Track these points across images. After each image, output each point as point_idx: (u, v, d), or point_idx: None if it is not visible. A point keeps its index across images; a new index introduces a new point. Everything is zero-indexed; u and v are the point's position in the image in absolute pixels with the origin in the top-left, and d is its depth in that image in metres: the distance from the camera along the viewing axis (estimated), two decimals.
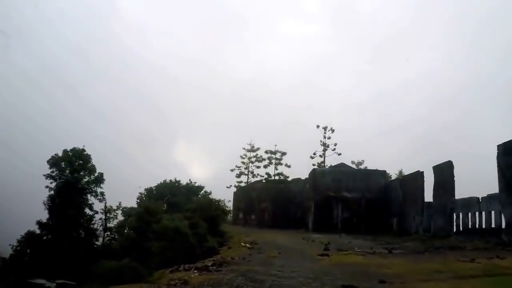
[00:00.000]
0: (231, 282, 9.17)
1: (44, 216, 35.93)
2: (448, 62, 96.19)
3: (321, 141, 49.46)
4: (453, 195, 28.17)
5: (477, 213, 33.94)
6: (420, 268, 11.90)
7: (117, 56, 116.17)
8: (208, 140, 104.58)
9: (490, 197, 32.66)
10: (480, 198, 33.85)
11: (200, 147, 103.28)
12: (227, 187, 50.56)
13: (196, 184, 51.12)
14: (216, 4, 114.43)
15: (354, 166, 49.38)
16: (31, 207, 38.35)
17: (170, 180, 50.64)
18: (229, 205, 44.97)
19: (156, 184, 49.75)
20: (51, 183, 37.07)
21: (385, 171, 41.86)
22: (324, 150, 49.53)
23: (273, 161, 49.38)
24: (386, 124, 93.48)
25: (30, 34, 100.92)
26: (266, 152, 49.88)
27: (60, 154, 37.59)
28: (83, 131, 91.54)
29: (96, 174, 38.58)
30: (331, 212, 38.16)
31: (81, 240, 36.14)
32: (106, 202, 39.27)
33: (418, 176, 32.64)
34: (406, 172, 40.46)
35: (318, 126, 49.47)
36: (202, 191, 50.03)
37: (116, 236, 38.05)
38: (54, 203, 35.77)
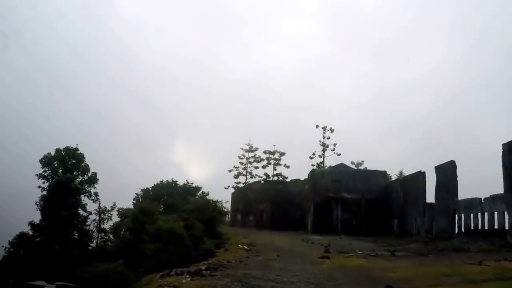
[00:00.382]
0: None
1: (36, 217, 35.16)
2: (449, 62, 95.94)
3: (320, 141, 48.90)
4: (456, 195, 27.57)
5: (479, 214, 33.53)
6: (426, 271, 11.24)
7: (115, 56, 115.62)
8: (206, 140, 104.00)
9: (493, 198, 32.05)
10: (482, 199, 33.42)
11: (198, 147, 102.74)
12: (225, 188, 49.98)
13: (194, 185, 50.43)
14: (215, 3, 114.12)
15: (353, 166, 48.79)
16: (24, 207, 37.50)
17: (167, 181, 49.95)
18: (227, 206, 44.18)
19: (153, 185, 49.02)
20: (44, 183, 36.31)
21: (385, 171, 41.27)
22: (324, 151, 48.93)
23: (272, 161, 48.79)
24: (386, 124, 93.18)
25: (28, 34, 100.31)
26: (265, 152, 49.29)
27: (53, 153, 36.68)
28: (79, 130, 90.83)
29: (89, 174, 37.67)
30: (330, 213, 37.54)
31: (75, 241, 35.28)
32: (100, 203, 38.46)
33: (419, 177, 32.02)
34: (407, 173, 39.89)
35: (317, 126, 48.90)
36: (200, 192, 49.33)
37: (111, 238, 37.22)
38: (47, 204, 34.88)
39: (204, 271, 10.08)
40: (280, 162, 48.60)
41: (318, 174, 40.82)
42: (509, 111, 79.70)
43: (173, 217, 25.53)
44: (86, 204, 37.43)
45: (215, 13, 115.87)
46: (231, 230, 35.31)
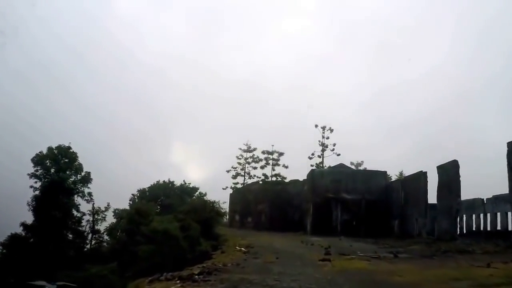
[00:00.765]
0: None
1: (29, 217, 34.26)
2: (451, 62, 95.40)
3: (319, 141, 48.36)
4: (459, 196, 26.99)
5: (481, 215, 32.98)
6: (434, 275, 10.60)
7: (112, 55, 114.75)
8: (204, 140, 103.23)
9: (495, 198, 31.53)
10: (485, 199, 32.87)
11: (196, 147, 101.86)
12: (223, 188, 49.29)
13: (191, 185, 49.71)
14: (213, 3, 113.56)
15: (353, 167, 48.25)
16: (16, 207, 36.58)
17: (164, 181, 49.23)
18: (225, 206, 43.60)
19: (149, 185, 48.28)
20: (36, 182, 35.40)
21: (385, 172, 40.72)
22: (323, 151, 48.39)
23: (270, 161, 48.17)
24: (386, 125, 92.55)
25: (25, 33, 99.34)
26: (263, 152, 48.68)
27: (45, 152, 35.77)
28: (76, 130, 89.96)
29: (83, 173, 36.74)
30: (330, 214, 36.98)
31: (69, 243, 34.44)
32: (94, 203, 37.57)
33: (421, 177, 31.44)
34: (407, 173, 39.34)
35: (316, 126, 48.33)
36: (197, 193, 48.58)
37: (104, 239, 36.46)
38: (39, 204, 33.99)
39: (196, 276, 9.36)
40: (279, 163, 48.12)
41: (317, 174, 40.23)
42: None
43: (168, 218, 24.78)
44: (79, 204, 36.60)
45: (213, 13, 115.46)
46: (229, 231, 34.71)
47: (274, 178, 47.29)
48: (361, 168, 49.00)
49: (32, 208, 34.43)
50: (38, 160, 35.59)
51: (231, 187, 49.57)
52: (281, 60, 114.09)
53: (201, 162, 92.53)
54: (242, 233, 33.75)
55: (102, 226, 38.43)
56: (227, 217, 47.39)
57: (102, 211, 37.87)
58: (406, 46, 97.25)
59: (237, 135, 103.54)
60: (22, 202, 33.85)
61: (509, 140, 23.12)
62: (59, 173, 35.47)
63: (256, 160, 49.12)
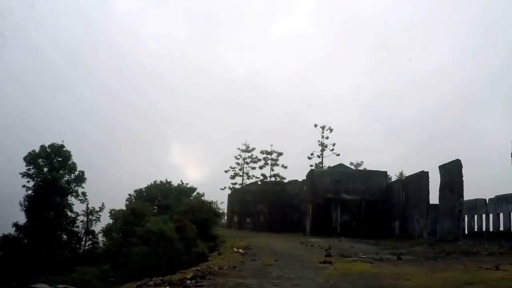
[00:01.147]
0: None
1: (21, 217, 33.37)
2: (451, 62, 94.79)
3: (319, 141, 47.78)
4: (462, 196, 26.43)
5: (483, 216, 32.43)
6: (443, 278, 9.98)
7: (110, 55, 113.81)
8: (202, 140, 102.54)
9: (498, 199, 31.04)
10: (487, 199, 32.33)
11: (194, 147, 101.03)
12: (221, 189, 48.61)
13: (188, 186, 48.98)
14: (212, 3, 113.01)
15: (353, 167, 47.72)
16: (8, 207, 35.66)
17: (161, 181, 48.47)
18: (223, 207, 42.83)
19: (146, 186, 47.53)
20: (28, 182, 34.52)
21: (386, 172, 40.22)
22: (322, 151, 47.78)
23: (269, 161, 47.52)
24: (385, 125, 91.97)
25: (24, 35, 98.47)
26: (262, 152, 48.05)
27: (38, 150, 34.87)
28: (73, 130, 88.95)
29: (76, 173, 35.89)
30: (329, 215, 36.46)
31: (63, 244, 33.62)
32: (88, 203, 36.72)
33: (422, 177, 30.89)
34: (407, 174, 38.83)
35: (316, 126, 47.73)
36: (195, 193, 47.87)
37: (99, 240, 35.68)
38: (32, 204, 33.16)
39: (188, 281, 8.70)
40: (278, 163, 47.49)
41: (317, 174, 39.66)
42: None
43: (163, 219, 24.05)
44: (73, 204, 35.73)
45: (211, 13, 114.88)
46: (227, 232, 34.16)
47: (273, 179, 46.71)
48: (361, 168, 48.48)
49: (24, 208, 33.59)
50: (31, 159, 34.73)
51: (229, 188, 49.02)
52: (280, 60, 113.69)
53: (199, 162, 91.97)
54: (241, 234, 33.20)
55: (97, 227, 37.65)
56: (226, 218, 46.74)
57: (97, 212, 37.03)
58: (407, 46, 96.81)
59: (236, 135, 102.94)
60: (14, 202, 33.26)
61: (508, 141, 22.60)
62: (52, 172, 34.63)
63: (255, 160, 48.54)
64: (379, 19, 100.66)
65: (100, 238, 37.98)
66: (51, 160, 35.02)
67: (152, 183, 48.02)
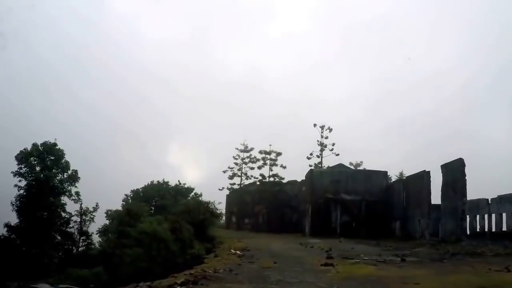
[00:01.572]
0: None
1: (13, 217, 32.44)
2: (452, 61, 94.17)
3: (318, 140, 47.19)
4: (465, 195, 25.81)
5: (486, 216, 31.90)
6: (455, 282, 9.34)
7: (108, 53, 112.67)
8: (200, 140, 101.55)
9: (501, 198, 30.57)
10: (489, 199, 31.79)
11: (192, 147, 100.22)
12: (219, 189, 47.91)
13: (186, 186, 48.26)
14: (211, 2, 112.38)
15: (352, 167, 47.12)
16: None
17: (158, 181, 47.77)
18: (220, 207, 42.11)
19: (143, 186, 46.82)
20: (20, 181, 33.61)
21: (386, 172, 39.67)
22: (322, 150, 47.21)
23: (268, 162, 46.88)
24: (385, 125, 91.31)
25: (24, 35, 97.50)
26: (260, 152, 47.37)
27: (30, 148, 33.93)
28: (67, 129, 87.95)
29: (70, 172, 34.99)
30: (329, 215, 35.94)
31: (57, 245, 32.76)
32: (82, 203, 35.86)
33: (423, 176, 30.33)
34: (407, 174, 38.28)
35: (315, 125, 47.14)
36: (192, 193, 47.16)
37: (94, 241, 34.88)
38: (24, 204, 32.29)
39: (178, 287, 8.01)
40: (277, 163, 46.81)
41: (316, 174, 39.07)
42: None
43: (157, 219, 23.30)
44: (66, 204, 34.82)
45: (210, 12, 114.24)
46: (225, 233, 33.60)
47: (271, 179, 46.07)
48: (361, 168, 47.92)
49: (16, 208, 32.72)
50: (23, 157, 33.84)
51: (227, 188, 48.35)
52: (279, 60, 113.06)
53: (197, 162, 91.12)
54: (239, 235, 32.61)
55: (92, 228, 36.79)
56: (224, 218, 46.09)
57: (91, 212, 36.18)
58: (407, 46, 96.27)
59: (234, 135, 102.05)
60: (5, 201, 32.37)
61: (507, 141, 22.05)
62: (44, 171, 33.73)
63: (253, 160, 47.88)
64: (379, 19, 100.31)
65: (97, 239, 37.29)
66: (43, 159, 34.10)
67: (149, 183, 47.37)
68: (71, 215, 34.99)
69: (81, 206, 35.60)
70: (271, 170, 46.40)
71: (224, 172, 48.05)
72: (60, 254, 33.29)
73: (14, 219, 32.85)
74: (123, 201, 43.33)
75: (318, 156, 47.00)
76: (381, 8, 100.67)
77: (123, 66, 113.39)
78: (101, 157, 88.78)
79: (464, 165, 25.99)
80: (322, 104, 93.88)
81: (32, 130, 79.97)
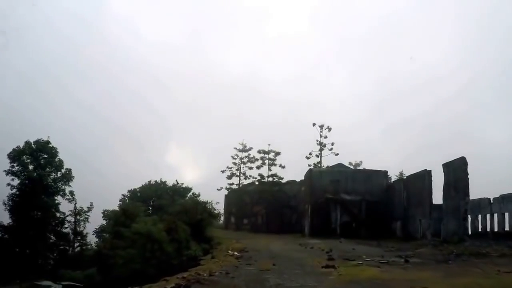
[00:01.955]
0: None
1: (5, 217, 31.62)
2: (452, 58, 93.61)
3: (317, 140, 46.67)
4: (467, 195, 25.26)
5: (488, 215, 31.42)
6: (465, 285, 8.80)
7: (108, 51, 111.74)
8: (198, 140, 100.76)
9: (503, 198, 30.10)
10: (491, 199, 31.31)
11: (190, 147, 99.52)
12: (217, 189, 47.33)
13: (184, 186, 47.63)
14: (209, 2, 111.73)
15: (352, 167, 46.60)
16: None
17: (156, 181, 47.13)
18: (218, 207, 41.49)
19: (141, 186, 46.15)
20: (13, 180, 32.74)
21: (386, 171, 39.16)
22: (321, 150, 46.68)
23: (267, 161, 46.30)
24: (385, 125, 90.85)
25: (26, 34, 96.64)
26: (259, 152, 46.77)
27: (23, 146, 33.05)
28: (66, 128, 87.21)
29: (63, 171, 34.13)
30: (329, 215, 35.42)
31: (51, 245, 31.98)
32: (76, 203, 35.07)
33: (425, 176, 29.80)
34: (407, 174, 37.78)
35: (314, 124, 46.61)
36: (190, 193, 46.53)
37: (87, 242, 34.19)
38: (17, 203, 31.47)
39: None
40: (275, 162, 46.19)
41: (315, 174, 38.50)
42: None
43: (152, 219, 22.61)
44: (59, 203, 33.98)
45: (209, 11, 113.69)
46: (223, 234, 33.06)
47: (270, 179, 45.48)
48: (360, 168, 47.41)
49: (9, 208, 31.91)
50: (15, 155, 32.98)
51: (226, 188, 47.76)
52: (278, 60, 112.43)
53: (196, 162, 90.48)
54: (237, 236, 32.08)
55: (89, 228, 36.05)
56: (222, 218, 45.51)
57: (85, 212, 35.41)
58: (406, 42, 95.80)
59: (233, 134, 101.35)
60: None
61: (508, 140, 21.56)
62: (37, 169, 32.89)
63: (252, 160, 47.28)
64: (378, 16, 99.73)
65: (94, 239, 36.65)
66: (36, 157, 33.28)
67: (147, 183, 46.73)
68: (65, 215, 34.18)
69: (75, 206, 34.85)
70: (270, 170, 45.89)
71: (223, 172, 47.55)
72: (55, 255, 32.58)
73: (6, 219, 32.16)
74: (120, 201, 42.69)
75: (317, 156, 46.54)
76: (382, 8, 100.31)
77: (121, 66, 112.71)
78: (99, 158, 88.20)
79: (467, 164, 25.48)
80: (321, 104, 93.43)
81: (27, 129, 79.42)
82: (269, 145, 46.78)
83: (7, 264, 27.61)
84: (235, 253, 17.53)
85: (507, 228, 28.53)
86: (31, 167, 33.25)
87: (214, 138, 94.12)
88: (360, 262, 14.21)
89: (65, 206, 34.47)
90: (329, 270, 11.56)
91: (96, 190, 61.12)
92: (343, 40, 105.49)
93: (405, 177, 37.53)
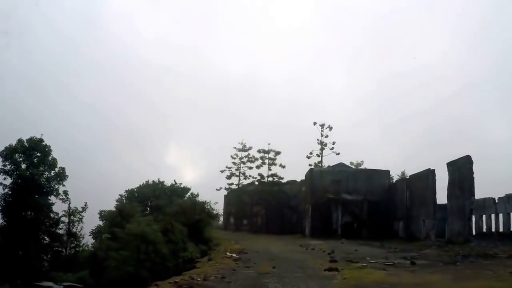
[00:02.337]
0: None
1: None
2: (452, 55, 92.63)
3: (318, 139, 45.94)
4: (473, 194, 24.60)
5: (492, 215, 30.79)
6: None
7: (107, 49, 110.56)
8: (197, 139, 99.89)
9: (508, 197, 29.50)
10: (496, 198, 30.68)
11: (189, 146, 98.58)
12: (216, 189, 46.65)
13: (182, 186, 46.91)
14: (207, 2, 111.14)
15: (353, 167, 45.90)
16: None
17: (153, 181, 46.42)
18: (217, 207, 40.82)
19: (138, 186, 45.46)
20: (5, 179, 31.77)
21: (388, 171, 38.52)
22: (322, 149, 45.95)
23: (267, 161, 45.63)
24: (385, 124, 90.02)
25: (28, 33, 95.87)
26: (259, 151, 46.08)
27: (15, 145, 32.21)
28: (64, 127, 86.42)
29: (57, 169, 33.32)
30: (330, 216, 34.84)
31: (45, 247, 31.19)
32: (70, 203, 34.29)
33: (428, 175, 29.16)
34: (409, 173, 37.14)
35: (315, 123, 45.88)
36: (189, 193, 45.83)
37: (81, 243, 33.45)
38: (9, 203, 30.67)
39: None
40: (276, 162, 45.49)
41: (316, 174, 37.85)
42: None
43: (147, 220, 21.87)
44: (53, 204, 33.16)
45: (208, 9, 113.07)
46: (223, 235, 32.44)
47: (270, 179, 44.80)
48: (362, 168, 46.74)
49: (0, 208, 31.11)
50: (7, 154, 32.16)
51: (225, 188, 47.06)
52: (277, 58, 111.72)
53: (195, 162, 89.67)
54: (237, 237, 31.43)
55: (86, 229, 35.22)
56: (221, 219, 44.83)
57: (79, 212, 34.64)
58: (406, 39, 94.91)
59: (232, 134, 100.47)
60: None
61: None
62: (30, 168, 32.04)
63: (252, 159, 46.58)
64: (378, 13, 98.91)
65: (91, 240, 35.90)
66: (29, 156, 32.50)
67: (144, 183, 46.04)
68: (58, 215, 33.36)
69: (69, 206, 34.04)
70: (270, 170, 45.22)
71: (222, 172, 46.87)
72: (49, 256, 31.82)
73: None
74: (117, 201, 41.94)
75: (318, 155, 45.83)
76: (382, 7, 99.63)
77: (120, 65, 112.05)
78: (98, 157, 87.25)
79: (472, 163, 24.84)
80: (322, 103, 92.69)
81: (27, 129, 78.68)
82: (269, 144, 46.16)
83: (0, 265, 26.87)
84: (233, 254, 16.84)
85: None
86: (23, 166, 32.45)
87: (213, 138, 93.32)
88: (365, 265, 13.53)
89: (59, 206, 33.83)
90: (332, 273, 10.88)
91: (96, 190, 60.39)
92: (344, 39, 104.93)
93: (407, 177, 36.92)
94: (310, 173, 38.22)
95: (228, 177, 46.72)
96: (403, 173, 43.02)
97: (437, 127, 78.39)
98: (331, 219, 34.81)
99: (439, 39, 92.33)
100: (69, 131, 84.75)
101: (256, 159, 46.15)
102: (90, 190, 57.80)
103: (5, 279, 24.27)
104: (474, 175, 24.71)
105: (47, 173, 32.70)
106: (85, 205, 35.17)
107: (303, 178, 40.66)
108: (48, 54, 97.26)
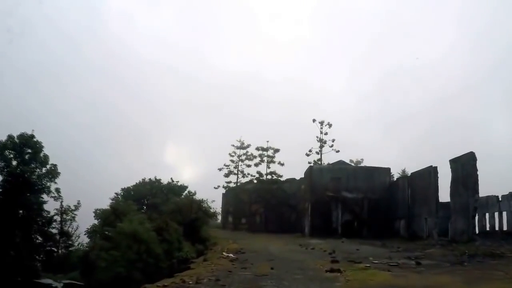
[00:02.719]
0: None
1: None
2: (453, 53, 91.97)
3: (317, 137, 45.23)
4: (477, 191, 23.94)
5: (496, 214, 30.15)
6: None
7: (106, 47, 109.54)
8: (195, 137, 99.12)
9: None
10: (499, 196, 30.04)
11: (187, 144, 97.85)
12: (214, 187, 45.90)
13: (179, 184, 46.12)
14: (207, 2, 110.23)
15: (353, 165, 45.24)
16: None
17: (150, 179, 45.64)
18: (215, 205, 40.12)
19: (134, 184, 44.69)
20: None
21: (389, 168, 37.90)
22: (321, 147, 45.24)
23: (265, 158, 44.89)
24: (385, 124, 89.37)
25: (31, 31, 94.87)
26: (257, 149, 45.33)
27: (5, 140, 31.30)
28: (63, 127, 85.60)
29: (48, 166, 32.44)
30: (330, 214, 34.23)
31: (37, 246, 30.37)
32: (62, 201, 33.44)
33: (430, 172, 28.50)
34: (409, 171, 36.51)
35: (314, 121, 45.16)
36: (186, 191, 45.06)
37: (73, 242, 32.68)
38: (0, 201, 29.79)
39: None
40: (274, 160, 44.74)
41: (316, 171, 37.14)
42: None
43: (139, 218, 21.08)
44: (46, 202, 32.27)
45: (208, 7, 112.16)
46: (220, 234, 31.76)
47: (269, 176, 44.06)
48: (362, 165, 46.08)
49: None
50: None
51: (223, 187, 46.28)
52: (276, 54, 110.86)
53: (193, 160, 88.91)
54: (235, 236, 30.74)
55: (81, 228, 34.43)
56: (219, 218, 44.10)
57: (72, 210, 33.83)
58: (407, 37, 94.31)
59: (231, 133, 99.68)
60: None
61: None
62: (21, 165, 31.12)
63: (250, 157, 45.83)
64: (378, 11, 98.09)
65: (86, 240, 35.11)
66: (20, 152, 31.61)
67: (141, 181, 45.27)
68: (49, 213, 32.48)
69: (61, 204, 33.18)
70: (269, 168, 44.52)
71: (220, 170, 46.11)
72: (41, 256, 31.04)
73: None
74: (112, 199, 41.10)
75: (317, 153, 45.12)
76: (382, 7, 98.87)
77: (119, 64, 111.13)
78: (96, 156, 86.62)
79: (476, 159, 24.19)
80: (322, 100, 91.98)
81: (27, 128, 77.48)
82: (267, 141, 45.42)
83: None
84: (230, 254, 16.13)
85: None
86: (14, 162, 31.55)
87: (212, 136, 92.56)
88: (368, 265, 12.84)
89: (51, 205, 33.00)
90: (335, 275, 10.19)
91: (93, 189, 59.73)
92: (344, 37, 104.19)
93: (408, 175, 36.29)
94: (310, 171, 37.54)
95: (226, 175, 46.05)
96: (403, 171, 42.45)
97: (439, 126, 77.87)
98: (331, 217, 34.20)
99: (441, 38, 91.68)
100: (66, 130, 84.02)
101: (255, 156, 45.45)
102: (88, 189, 57.15)
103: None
104: (478, 172, 24.08)
105: (38, 170, 31.85)
106: (78, 203, 34.36)
107: (303, 176, 40.02)
108: (47, 52, 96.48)
